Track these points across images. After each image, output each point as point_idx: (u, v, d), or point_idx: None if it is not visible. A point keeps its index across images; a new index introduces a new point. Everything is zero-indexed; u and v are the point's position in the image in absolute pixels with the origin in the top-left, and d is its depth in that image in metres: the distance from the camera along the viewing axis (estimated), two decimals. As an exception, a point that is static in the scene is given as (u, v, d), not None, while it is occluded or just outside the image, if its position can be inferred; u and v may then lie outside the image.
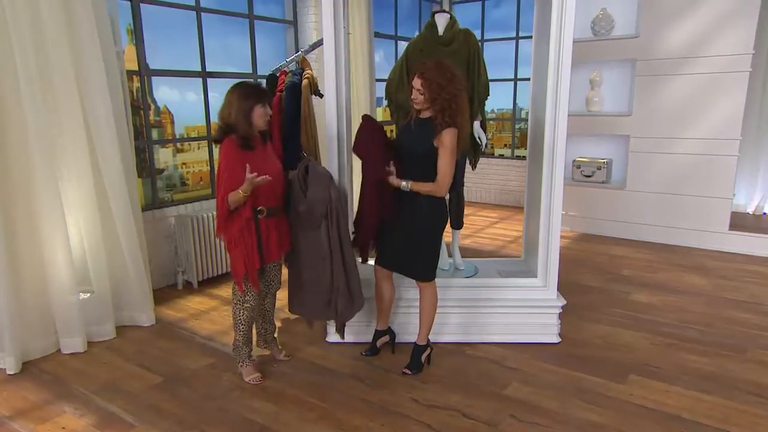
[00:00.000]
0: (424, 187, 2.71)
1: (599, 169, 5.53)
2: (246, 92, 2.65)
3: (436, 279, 2.94)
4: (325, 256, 2.81)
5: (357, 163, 3.49)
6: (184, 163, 4.97)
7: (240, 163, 2.59)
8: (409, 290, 3.16)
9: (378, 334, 3.17)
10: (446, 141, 2.61)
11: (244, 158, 2.60)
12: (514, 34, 7.09)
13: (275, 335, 3.17)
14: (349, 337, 3.29)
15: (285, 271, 3.05)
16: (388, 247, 2.93)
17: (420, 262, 2.87)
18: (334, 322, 3.10)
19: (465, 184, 3.71)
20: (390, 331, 3.19)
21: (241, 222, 2.65)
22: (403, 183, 2.72)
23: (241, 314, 2.83)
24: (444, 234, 3.72)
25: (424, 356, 2.98)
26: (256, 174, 2.53)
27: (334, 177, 3.10)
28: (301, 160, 3.33)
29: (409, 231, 2.83)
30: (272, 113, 3.34)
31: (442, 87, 2.57)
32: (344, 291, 2.86)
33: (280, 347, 3.17)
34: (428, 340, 3.01)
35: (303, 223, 2.80)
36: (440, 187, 2.69)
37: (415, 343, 3.00)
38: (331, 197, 2.77)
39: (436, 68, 2.60)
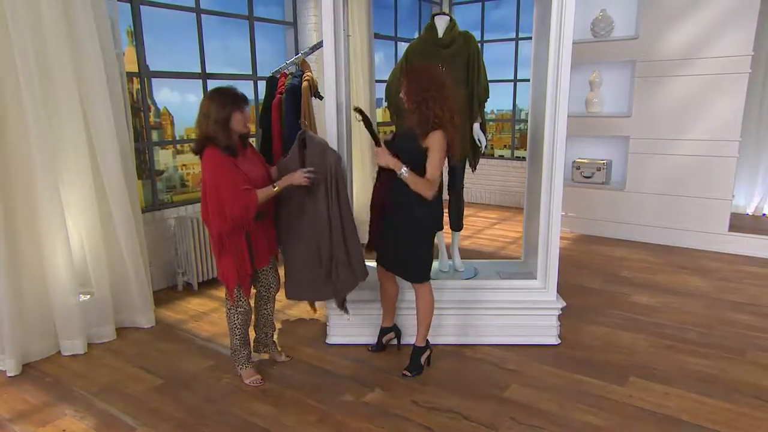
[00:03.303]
0: (417, 180, 2.66)
1: (599, 170, 5.53)
2: (222, 101, 2.56)
3: (436, 280, 2.94)
4: (324, 225, 2.78)
5: (356, 165, 3.50)
6: (184, 165, 4.98)
7: (233, 165, 2.57)
8: (411, 291, 3.16)
9: (384, 331, 3.18)
10: (434, 143, 2.63)
11: (234, 163, 2.59)
12: (513, 35, 7.09)
13: (274, 338, 3.17)
14: (348, 339, 3.29)
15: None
16: (385, 248, 2.95)
17: (413, 265, 2.88)
18: (334, 300, 3.05)
19: (465, 185, 3.71)
20: (396, 329, 3.20)
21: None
22: (404, 169, 2.67)
23: (236, 319, 2.82)
24: (443, 235, 3.75)
25: (423, 358, 2.98)
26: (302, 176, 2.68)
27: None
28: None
29: (403, 234, 2.84)
30: (273, 115, 3.36)
31: (413, 91, 2.64)
32: (344, 261, 2.83)
33: (279, 349, 3.17)
34: (427, 341, 3.01)
35: (303, 192, 2.77)
36: (430, 184, 2.67)
37: (414, 344, 3.00)
38: (329, 163, 2.76)
39: (415, 71, 2.70)
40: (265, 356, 3.15)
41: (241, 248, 2.66)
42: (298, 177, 2.70)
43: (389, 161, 2.68)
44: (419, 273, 2.88)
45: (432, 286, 2.93)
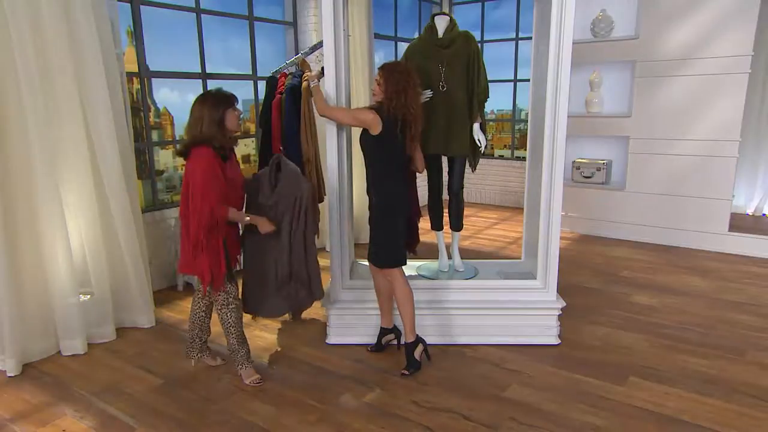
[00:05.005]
0: (318, 95, 2.97)
1: (599, 170, 5.53)
2: (214, 101, 2.64)
3: (436, 281, 2.94)
4: (284, 247, 2.94)
5: (356, 164, 3.50)
6: (183, 165, 4.97)
7: (219, 170, 2.63)
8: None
9: (383, 332, 3.19)
10: (375, 116, 2.77)
11: (222, 168, 2.65)
12: (513, 35, 7.09)
13: (207, 344, 3.13)
14: (348, 339, 3.29)
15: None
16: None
17: (377, 247, 2.95)
18: (292, 314, 3.21)
19: (465, 185, 3.70)
20: (395, 330, 3.20)
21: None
22: (314, 81, 3.02)
23: (229, 317, 2.83)
24: (443, 235, 3.75)
25: (417, 353, 2.98)
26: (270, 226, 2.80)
27: (334, 177, 3.12)
28: (301, 162, 3.35)
29: (372, 216, 2.98)
30: (273, 115, 3.37)
31: (393, 79, 2.78)
32: (304, 282, 3.01)
33: (213, 354, 3.13)
34: (417, 336, 3.00)
35: (266, 216, 2.89)
36: (324, 107, 2.95)
37: (405, 342, 3.01)
38: (301, 191, 2.93)
39: (397, 65, 2.89)
40: (200, 363, 3.09)
41: (218, 247, 2.71)
42: (267, 225, 2.82)
43: (311, 76, 3.06)
44: (383, 255, 2.94)
45: (407, 280, 2.97)
